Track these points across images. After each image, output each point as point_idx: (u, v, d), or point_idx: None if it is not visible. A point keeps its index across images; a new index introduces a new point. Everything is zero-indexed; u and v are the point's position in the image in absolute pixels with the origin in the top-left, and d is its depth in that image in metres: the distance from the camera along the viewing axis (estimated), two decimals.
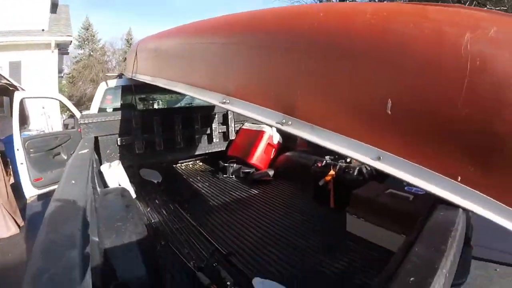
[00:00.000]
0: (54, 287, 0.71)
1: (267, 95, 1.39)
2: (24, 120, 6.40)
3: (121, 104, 4.10)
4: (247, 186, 3.42)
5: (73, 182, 1.45)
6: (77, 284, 0.72)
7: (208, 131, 4.07)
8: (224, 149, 4.22)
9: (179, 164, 4.45)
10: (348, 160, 2.72)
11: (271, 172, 3.57)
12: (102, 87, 3.95)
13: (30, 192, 3.72)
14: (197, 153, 4.06)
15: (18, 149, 3.67)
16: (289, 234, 2.28)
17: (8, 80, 5.13)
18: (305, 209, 2.71)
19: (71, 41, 10.11)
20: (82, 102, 26.92)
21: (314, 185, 2.78)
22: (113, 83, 3.98)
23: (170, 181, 3.63)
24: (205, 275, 1.67)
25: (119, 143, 3.37)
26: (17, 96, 3.89)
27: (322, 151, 1.64)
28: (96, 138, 3.19)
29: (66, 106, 4.65)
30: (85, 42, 33.31)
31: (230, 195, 3.18)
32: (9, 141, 4.50)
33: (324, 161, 2.87)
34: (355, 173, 2.57)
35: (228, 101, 1.52)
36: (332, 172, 2.67)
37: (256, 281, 1.66)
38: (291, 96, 1.31)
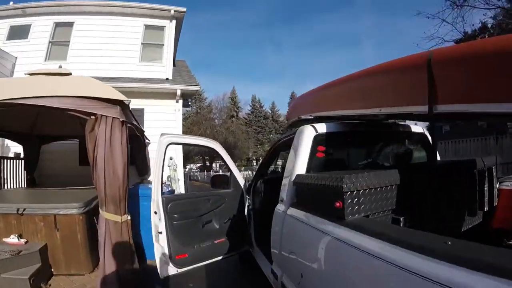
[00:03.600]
0: None
1: None
2: (144, 170, 5.57)
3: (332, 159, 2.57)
4: None
5: None
6: None
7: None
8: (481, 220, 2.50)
9: None
10: None
11: None
12: (308, 132, 2.43)
13: (168, 270, 2.83)
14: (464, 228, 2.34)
15: (155, 212, 2.81)
16: None
17: (138, 124, 3.69)
18: None
19: (197, 91, 9.10)
20: (189, 157, 27.87)
21: None
22: (322, 127, 2.46)
23: None
24: None
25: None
26: (164, 140, 2.96)
27: None
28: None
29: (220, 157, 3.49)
30: (192, 100, 36.19)
31: None
32: (133, 193, 3.60)
33: None
34: None
35: None
36: None
37: None
38: None
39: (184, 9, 9.41)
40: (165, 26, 9.37)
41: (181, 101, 8.85)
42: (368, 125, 2.74)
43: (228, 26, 72.68)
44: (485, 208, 2.47)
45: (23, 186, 5.73)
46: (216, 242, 3.19)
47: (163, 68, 9.00)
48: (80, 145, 6.36)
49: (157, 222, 2.79)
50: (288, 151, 3.42)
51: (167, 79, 8.86)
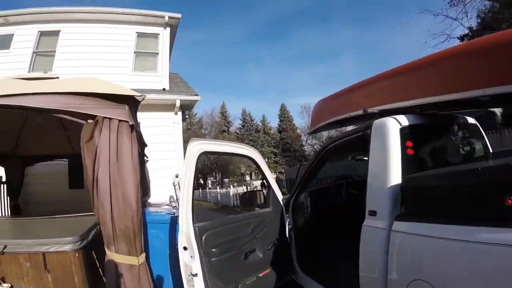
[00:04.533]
0: None
1: None
2: (145, 191, 4.45)
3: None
4: None
5: None
6: None
7: None
8: None
9: None
10: None
11: None
12: (392, 125, 2.00)
13: None
14: None
15: (185, 248, 2.09)
16: None
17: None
18: None
19: (197, 101, 8.43)
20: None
21: None
22: (404, 119, 2.04)
23: None
24: None
25: None
26: (196, 148, 2.27)
27: None
28: None
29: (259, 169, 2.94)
30: (186, 116, 35.98)
31: None
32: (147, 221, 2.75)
33: None
34: None
35: None
36: None
37: None
38: None
39: (179, 16, 8.79)
40: (159, 34, 8.68)
41: (180, 113, 8.12)
42: (443, 117, 2.45)
43: (212, 42, 73.68)
44: None
45: (6, 214, 4.91)
46: (260, 275, 2.62)
47: (159, 78, 8.25)
48: (70, 165, 5.55)
49: (189, 261, 2.11)
50: (341, 157, 2.90)
51: (163, 89, 8.10)
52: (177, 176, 7.04)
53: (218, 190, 21.42)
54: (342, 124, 3.84)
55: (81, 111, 1.93)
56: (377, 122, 2.10)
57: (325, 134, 31.63)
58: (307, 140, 38.23)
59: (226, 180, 38.31)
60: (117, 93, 2.02)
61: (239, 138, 43.98)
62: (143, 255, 2.20)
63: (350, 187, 3.26)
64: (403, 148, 1.92)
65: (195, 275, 2.11)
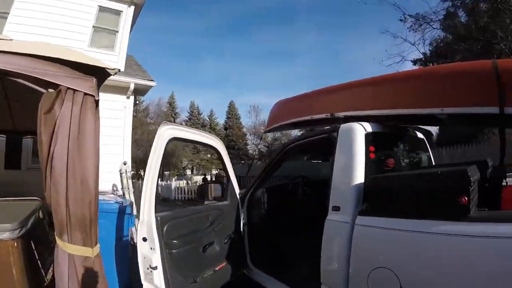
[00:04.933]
0: None
1: None
2: None
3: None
4: None
5: None
6: None
7: None
8: None
9: None
10: None
11: None
12: (358, 130, 2.19)
13: None
14: None
15: (145, 239, 2.03)
16: None
17: None
18: None
19: (151, 87, 8.04)
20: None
21: None
22: (368, 126, 2.24)
23: None
24: None
25: None
26: (166, 133, 2.21)
27: None
28: None
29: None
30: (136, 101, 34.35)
31: None
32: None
33: None
34: None
35: None
36: None
37: None
38: None
39: None
40: (122, 11, 8.02)
41: (132, 98, 7.67)
42: (399, 129, 2.73)
43: (169, 29, 69.46)
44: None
45: None
46: (217, 269, 2.63)
47: (115, 58, 7.64)
48: (8, 142, 4.86)
49: (149, 253, 2.03)
50: (304, 156, 3.02)
51: (119, 70, 7.54)
52: (125, 164, 6.62)
53: (159, 182, 20.57)
54: (300, 126, 4.01)
55: (43, 77, 1.68)
56: (344, 126, 2.25)
57: (270, 135, 32.71)
58: (252, 140, 38.85)
59: (167, 172, 37.00)
60: (86, 62, 1.80)
61: None
62: (98, 246, 2.00)
63: (305, 186, 3.40)
64: (367, 151, 2.10)
65: (155, 268, 2.03)
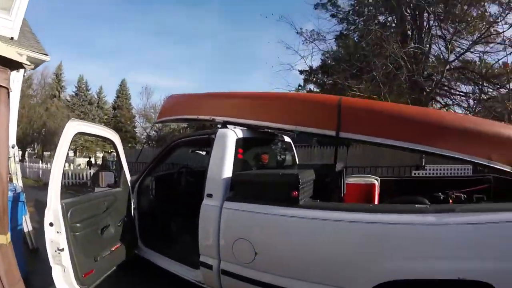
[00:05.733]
0: None
1: None
2: None
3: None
4: None
5: None
6: None
7: None
8: None
9: None
10: None
11: None
12: (231, 136, 2.84)
13: None
14: None
15: (51, 224, 2.30)
16: None
17: None
18: None
19: (44, 62, 7.48)
20: None
21: None
22: (239, 132, 2.95)
23: None
24: None
25: None
26: (73, 128, 2.54)
27: None
28: None
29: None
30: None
31: None
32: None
33: None
34: None
35: None
36: None
37: None
38: None
39: None
40: None
41: (22, 71, 6.93)
42: (266, 134, 3.49)
43: None
44: (342, 195, 3.47)
45: None
46: (113, 249, 2.97)
47: (10, 23, 6.67)
48: None
49: (55, 237, 2.29)
50: (191, 149, 3.67)
51: (11, 38, 6.68)
52: (13, 147, 6.13)
53: (40, 165, 17.78)
54: (188, 121, 4.59)
55: None
56: (221, 131, 2.88)
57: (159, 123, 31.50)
58: (141, 123, 36.94)
59: (47, 153, 32.38)
60: (2, 54, 1.97)
61: (69, 107, 38.75)
62: (9, 234, 2.17)
63: (188, 175, 4.01)
64: (236, 153, 2.78)
65: (62, 249, 2.29)
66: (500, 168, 2.32)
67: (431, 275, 1.89)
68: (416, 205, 2.17)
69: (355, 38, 12.71)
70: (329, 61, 14.75)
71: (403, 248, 1.96)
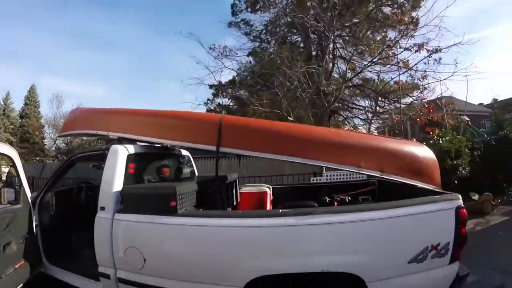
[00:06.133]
0: None
1: None
2: None
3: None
4: None
5: None
6: None
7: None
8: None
9: None
10: None
11: None
12: (122, 152, 2.99)
13: None
14: None
15: None
16: None
17: None
18: None
19: None
20: None
21: None
22: (131, 148, 3.11)
23: None
24: None
25: None
26: None
27: None
28: None
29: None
30: None
31: None
32: None
33: None
34: None
35: None
36: None
37: None
38: None
39: None
40: None
41: None
42: (160, 148, 3.69)
43: None
44: (235, 203, 3.82)
45: None
46: (17, 267, 2.92)
47: None
48: None
49: None
50: (89, 164, 3.66)
51: None
52: None
53: None
54: (92, 136, 4.63)
55: None
56: (113, 147, 3.00)
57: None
58: (50, 133, 33.69)
59: None
60: None
61: None
62: None
63: (88, 189, 4.00)
64: (127, 168, 2.94)
65: None
66: (369, 173, 2.85)
67: (297, 269, 2.27)
68: (280, 210, 2.58)
69: (266, 56, 13.36)
70: (236, 77, 15.34)
71: (266, 247, 2.33)
